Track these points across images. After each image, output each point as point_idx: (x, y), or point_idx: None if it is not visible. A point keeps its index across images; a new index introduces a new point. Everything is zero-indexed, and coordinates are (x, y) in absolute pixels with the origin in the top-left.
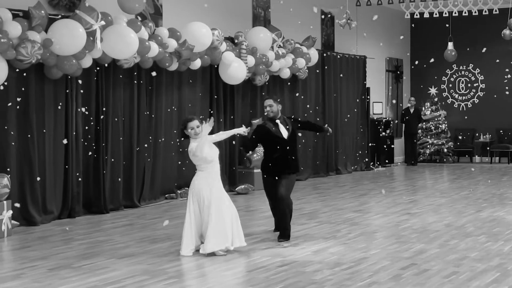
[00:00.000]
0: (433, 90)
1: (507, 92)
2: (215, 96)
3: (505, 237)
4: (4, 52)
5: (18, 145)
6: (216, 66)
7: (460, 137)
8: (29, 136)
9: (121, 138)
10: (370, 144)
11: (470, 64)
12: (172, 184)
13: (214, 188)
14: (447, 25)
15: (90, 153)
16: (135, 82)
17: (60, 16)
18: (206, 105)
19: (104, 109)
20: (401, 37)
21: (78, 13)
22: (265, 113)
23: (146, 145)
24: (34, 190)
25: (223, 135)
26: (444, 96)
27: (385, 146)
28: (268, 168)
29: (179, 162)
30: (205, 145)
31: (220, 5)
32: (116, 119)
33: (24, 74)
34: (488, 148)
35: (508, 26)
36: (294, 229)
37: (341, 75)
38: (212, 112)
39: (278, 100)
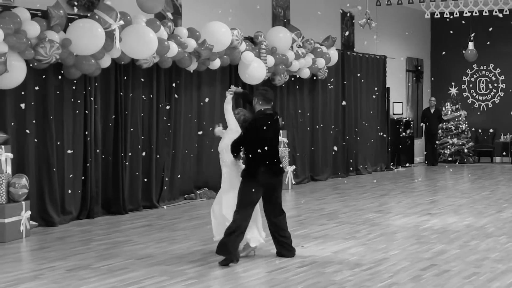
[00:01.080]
0: (453, 90)
1: None
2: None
3: None
4: (22, 52)
5: (37, 145)
6: (235, 66)
7: (480, 137)
8: (47, 136)
9: (141, 138)
10: (389, 149)
11: (491, 64)
12: (191, 185)
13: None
14: (463, 24)
15: (109, 153)
16: (154, 82)
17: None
18: None
19: (123, 109)
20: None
21: (97, 12)
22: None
23: (165, 145)
24: (52, 191)
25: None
26: (464, 96)
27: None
28: None
29: (198, 163)
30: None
31: (239, 4)
32: (135, 119)
33: (44, 75)
34: (509, 149)
35: None
36: (313, 229)
37: (359, 75)
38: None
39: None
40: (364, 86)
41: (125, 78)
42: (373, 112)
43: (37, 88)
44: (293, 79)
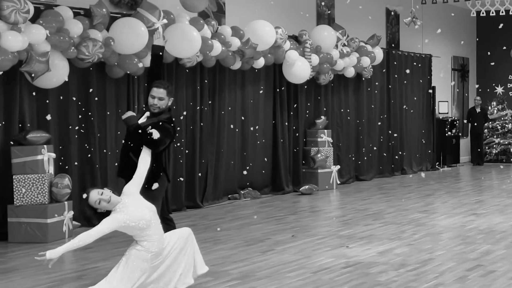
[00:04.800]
0: (499, 89)
1: None
2: (279, 92)
3: None
4: (65, 50)
5: (80, 144)
6: (279, 65)
7: None
8: (90, 135)
9: (183, 139)
10: (429, 150)
11: None
12: (235, 185)
13: None
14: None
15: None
16: (198, 81)
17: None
18: (270, 104)
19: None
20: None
21: (140, 11)
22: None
23: (209, 145)
24: None
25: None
26: (510, 95)
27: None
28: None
29: (242, 162)
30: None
31: (284, 3)
32: (178, 118)
33: (91, 70)
34: None
35: None
36: (358, 229)
37: (407, 71)
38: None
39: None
40: (409, 85)
41: (168, 77)
42: (419, 111)
43: (79, 87)
44: (332, 77)
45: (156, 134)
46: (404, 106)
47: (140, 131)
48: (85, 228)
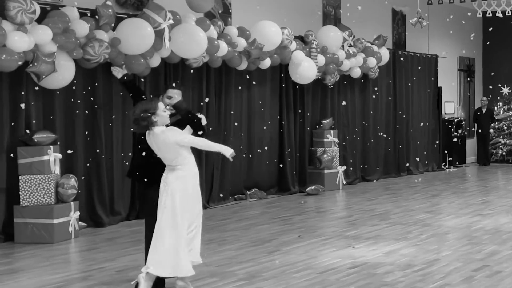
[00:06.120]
0: (505, 90)
1: None
2: (285, 95)
3: None
4: (71, 51)
5: (86, 145)
6: (286, 65)
7: None
8: (96, 136)
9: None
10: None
11: None
12: (241, 185)
13: None
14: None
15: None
16: (204, 81)
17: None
18: (276, 104)
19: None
20: (472, 35)
21: (146, 11)
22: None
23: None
24: (101, 191)
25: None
26: None
27: (463, 148)
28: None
29: (248, 163)
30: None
31: (290, 3)
32: None
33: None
34: None
35: None
36: (365, 230)
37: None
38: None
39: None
40: (416, 85)
41: (174, 77)
42: (425, 112)
43: (85, 87)
44: (338, 78)
45: (204, 120)
46: (410, 107)
47: (190, 115)
48: (92, 229)
